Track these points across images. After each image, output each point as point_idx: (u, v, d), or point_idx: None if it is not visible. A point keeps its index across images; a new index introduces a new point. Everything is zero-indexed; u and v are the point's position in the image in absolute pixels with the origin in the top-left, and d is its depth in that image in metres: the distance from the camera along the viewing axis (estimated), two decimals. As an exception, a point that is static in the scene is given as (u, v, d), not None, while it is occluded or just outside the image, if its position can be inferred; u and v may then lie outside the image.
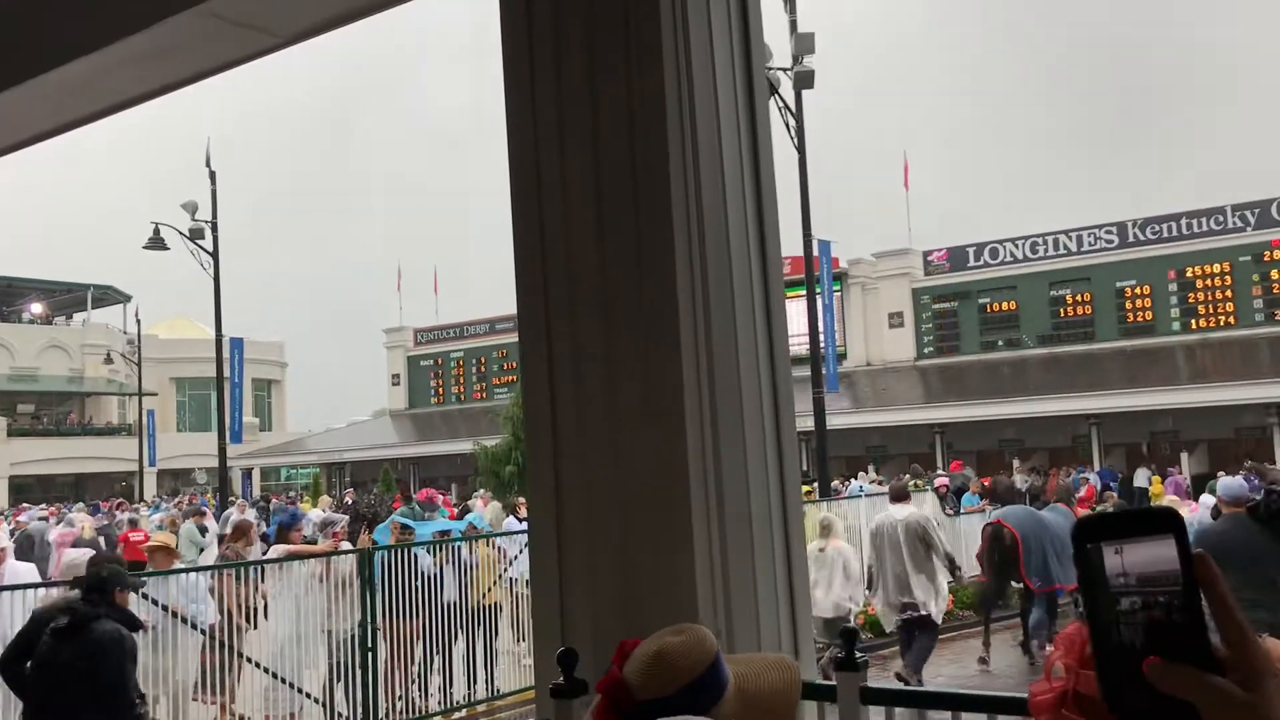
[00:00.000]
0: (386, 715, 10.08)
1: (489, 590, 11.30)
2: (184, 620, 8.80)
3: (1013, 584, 12.66)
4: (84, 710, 5.16)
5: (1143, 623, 0.89)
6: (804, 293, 20.28)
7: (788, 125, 19.33)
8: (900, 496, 11.78)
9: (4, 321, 56.15)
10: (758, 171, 3.02)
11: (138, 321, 45.47)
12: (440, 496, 26.50)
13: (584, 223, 2.91)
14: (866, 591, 12.24)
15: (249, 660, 9.32)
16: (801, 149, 19.38)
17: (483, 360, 50.44)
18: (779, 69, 18.92)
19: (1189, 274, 35.90)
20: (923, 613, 10.78)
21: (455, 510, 19.66)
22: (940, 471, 25.09)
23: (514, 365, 46.44)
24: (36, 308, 58.34)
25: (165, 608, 8.67)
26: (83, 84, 4.30)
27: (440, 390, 52.18)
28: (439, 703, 10.79)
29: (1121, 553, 0.90)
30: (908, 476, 20.46)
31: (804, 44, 18.83)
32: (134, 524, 18.67)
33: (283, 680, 9.40)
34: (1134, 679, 0.88)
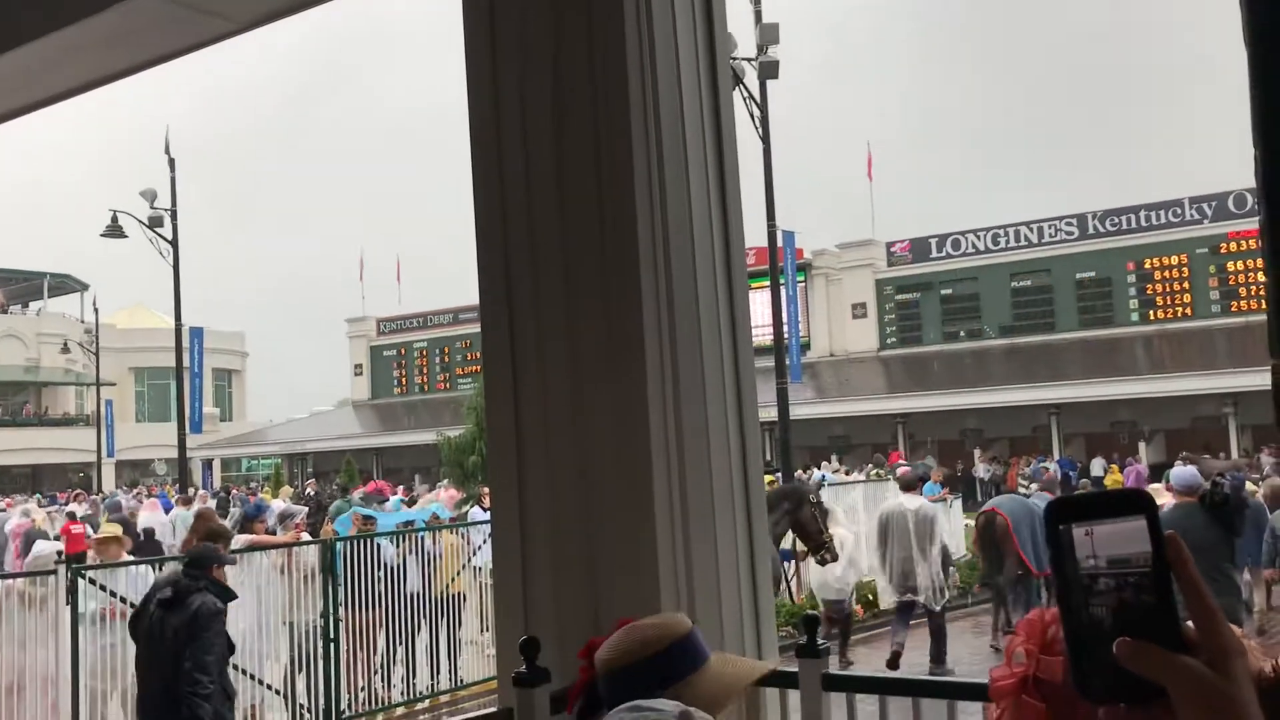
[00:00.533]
0: (349, 706, 10.03)
1: (454, 579, 11.28)
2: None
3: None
4: (181, 671, 5.84)
5: (1112, 604, 0.89)
6: (768, 283, 20.35)
7: (752, 115, 19.35)
8: (910, 486, 12.12)
9: (-42, 310, 55.34)
10: (721, 162, 3.02)
11: (95, 310, 44.80)
12: (399, 488, 26.37)
13: (547, 216, 2.91)
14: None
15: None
16: (766, 139, 19.41)
17: (446, 350, 50.22)
18: (744, 59, 18.93)
19: (1147, 265, 36.36)
20: (921, 598, 11.16)
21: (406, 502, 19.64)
22: (901, 462, 25.28)
23: (478, 355, 46.09)
24: (-9, 297, 57.46)
25: (124, 599, 8.58)
26: (41, 68, 4.23)
27: (403, 380, 51.89)
28: (402, 693, 10.75)
29: (1092, 534, 0.90)
30: (922, 464, 20.69)
31: (769, 34, 18.85)
32: (72, 516, 18.93)
33: (244, 672, 9.34)
34: (1103, 660, 0.88)
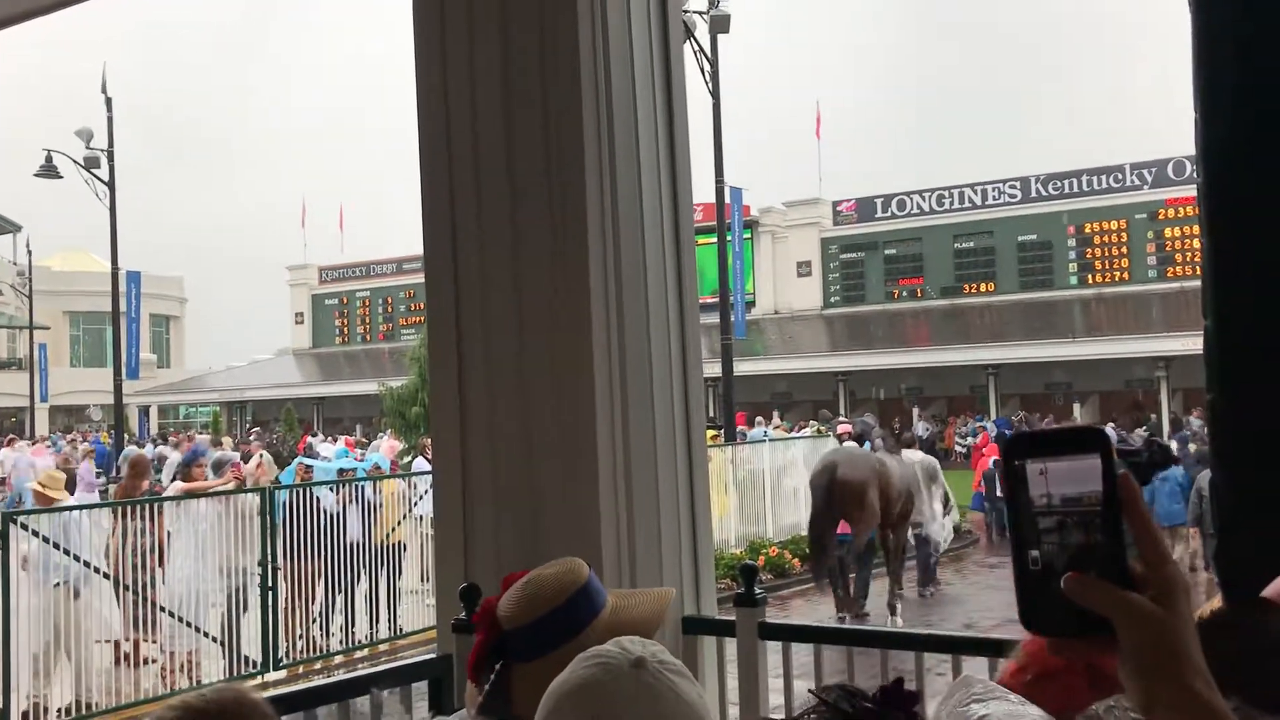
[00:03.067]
0: (286, 654, 10.03)
1: (394, 528, 11.28)
2: (77, 559, 8.62)
3: None
4: None
5: (1063, 541, 0.91)
6: (714, 239, 20.37)
7: (702, 70, 19.26)
8: (910, 444, 14.09)
9: (-116, 249, 53.63)
10: (671, 116, 3.02)
11: (29, 252, 43.76)
12: (343, 438, 26.03)
13: (494, 168, 2.88)
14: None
15: (145, 599, 9.18)
16: (716, 94, 19.35)
17: (389, 300, 49.72)
18: (695, 12, 18.81)
19: (1087, 230, 36.88)
20: (925, 532, 12.94)
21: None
22: (843, 418, 25.57)
23: (421, 306, 45.35)
24: (-82, 235, 55.74)
25: (58, 546, 8.48)
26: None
27: (345, 330, 51.34)
28: (340, 642, 10.76)
29: (1046, 472, 0.92)
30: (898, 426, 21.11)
31: (720, -12, 18.74)
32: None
33: (180, 619, 9.30)
34: (1051, 594, 0.90)
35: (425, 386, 24.70)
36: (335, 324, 51.63)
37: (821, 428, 22.17)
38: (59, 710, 8.30)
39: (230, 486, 10.77)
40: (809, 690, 2.13)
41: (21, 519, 8.43)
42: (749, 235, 38.41)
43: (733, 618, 2.78)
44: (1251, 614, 1.60)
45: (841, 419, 24.48)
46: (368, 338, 50.33)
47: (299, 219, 53.77)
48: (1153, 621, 0.88)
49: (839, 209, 41.81)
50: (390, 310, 49.76)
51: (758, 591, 2.77)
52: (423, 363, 25.11)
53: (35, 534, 8.32)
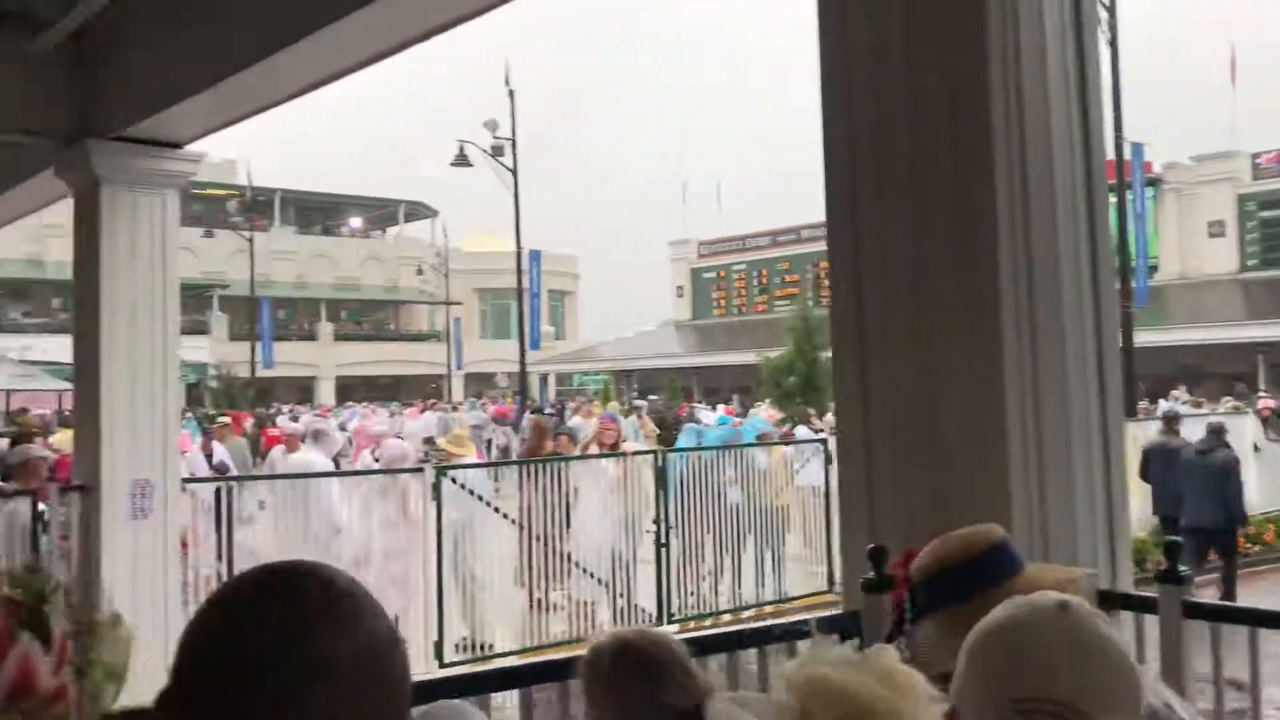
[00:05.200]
0: (678, 609, 10.53)
1: (781, 490, 11.58)
2: (495, 509, 9.57)
3: None
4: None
5: None
6: (1114, 199, 19.03)
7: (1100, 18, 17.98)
8: None
9: (328, 235, 61.24)
10: (1083, 70, 2.89)
11: (445, 235, 48.37)
12: (719, 406, 26.68)
13: (897, 129, 2.89)
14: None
15: (554, 551, 9.99)
16: (1114, 43, 18.01)
17: (764, 273, 50.42)
18: (1091, -42, 17.58)
19: None
20: None
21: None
22: (1263, 392, 23.13)
23: (795, 279, 46.18)
24: (355, 222, 63.11)
25: (481, 498, 9.47)
26: (392, 18, 4.63)
27: (722, 302, 52.65)
28: (728, 601, 11.14)
29: None
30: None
31: (1120, -71, 17.40)
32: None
33: (584, 570, 10.04)
34: None
35: (801, 357, 24.94)
36: (713, 296, 53.08)
37: (1239, 404, 20.17)
38: (455, 645, 9.23)
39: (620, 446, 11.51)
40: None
41: (452, 473, 9.45)
42: (1152, 194, 35.50)
43: (1152, 594, 2.65)
44: None
45: (1263, 394, 22.15)
46: (744, 309, 51.35)
47: (680, 196, 55.62)
48: None
49: (1258, 161, 37.62)
50: (765, 282, 50.47)
51: (1182, 569, 2.62)
52: (799, 334, 25.35)
53: (462, 486, 9.32)
